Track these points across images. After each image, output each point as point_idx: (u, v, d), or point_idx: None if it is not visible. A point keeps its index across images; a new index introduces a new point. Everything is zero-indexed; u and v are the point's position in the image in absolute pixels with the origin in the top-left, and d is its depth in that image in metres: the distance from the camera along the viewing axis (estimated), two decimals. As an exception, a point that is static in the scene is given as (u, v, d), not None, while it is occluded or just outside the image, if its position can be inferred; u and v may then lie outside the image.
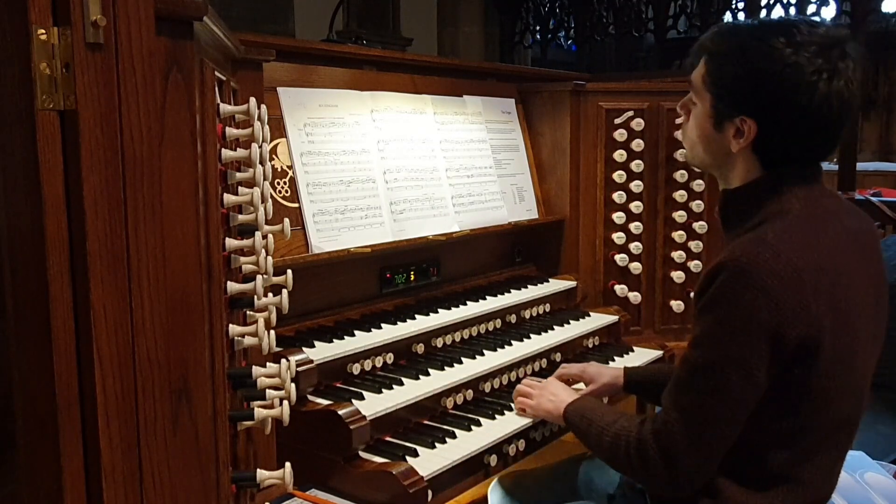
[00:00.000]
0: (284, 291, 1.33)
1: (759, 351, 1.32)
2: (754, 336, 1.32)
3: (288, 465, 1.21)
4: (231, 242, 1.20)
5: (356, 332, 2.02)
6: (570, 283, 2.70)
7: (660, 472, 1.42)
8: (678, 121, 1.62)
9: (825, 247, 1.37)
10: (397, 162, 2.27)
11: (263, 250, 1.24)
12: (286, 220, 1.36)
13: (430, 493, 1.67)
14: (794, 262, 1.32)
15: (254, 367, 1.26)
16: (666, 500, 1.54)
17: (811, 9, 6.83)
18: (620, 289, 2.79)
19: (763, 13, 6.84)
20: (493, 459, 1.93)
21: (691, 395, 1.40)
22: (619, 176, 2.77)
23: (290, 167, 2.01)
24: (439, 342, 2.20)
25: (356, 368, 1.97)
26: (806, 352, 1.33)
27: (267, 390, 1.26)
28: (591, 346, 2.58)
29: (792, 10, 6.79)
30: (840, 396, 1.40)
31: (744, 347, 1.32)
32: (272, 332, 1.31)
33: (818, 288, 1.33)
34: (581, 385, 2.01)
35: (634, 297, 2.80)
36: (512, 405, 2.04)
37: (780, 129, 1.41)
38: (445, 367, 2.06)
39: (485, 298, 2.41)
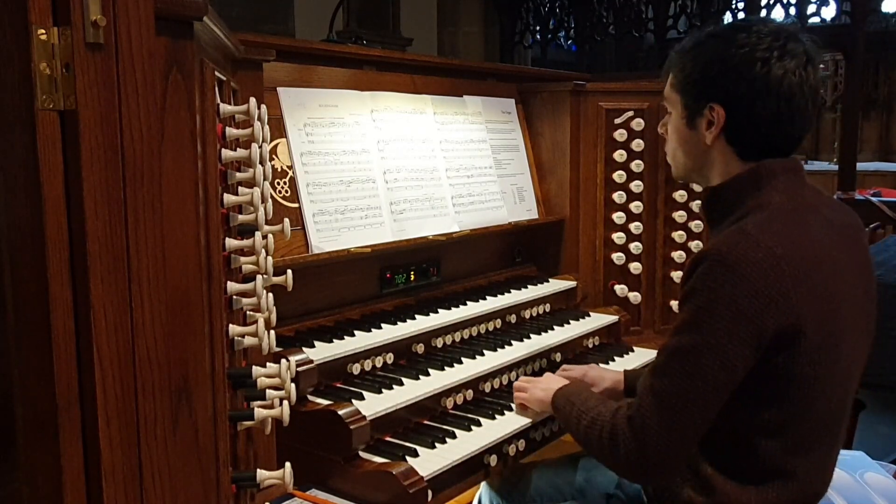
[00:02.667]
0: (270, 296, 1.32)
1: (738, 338, 1.34)
2: (734, 323, 1.34)
3: (288, 465, 1.21)
4: (231, 242, 1.20)
5: (356, 332, 2.02)
6: (570, 283, 2.70)
7: (629, 456, 1.43)
8: (660, 129, 1.70)
9: (806, 237, 1.40)
10: (397, 162, 2.27)
11: (263, 250, 1.24)
12: (286, 220, 1.36)
13: (430, 493, 1.67)
14: (774, 250, 1.35)
15: (254, 367, 1.26)
16: (662, 498, 1.54)
17: (811, 9, 6.83)
18: (620, 289, 2.79)
19: (763, 13, 6.84)
20: (493, 459, 1.92)
21: (667, 379, 1.41)
22: (619, 176, 2.77)
23: (290, 167, 2.01)
24: (439, 342, 2.20)
25: (356, 368, 1.97)
26: (788, 339, 1.35)
27: (267, 390, 1.26)
28: (591, 346, 2.58)
29: (792, 10, 6.79)
30: (826, 386, 1.42)
31: (722, 334, 1.34)
32: (272, 332, 1.31)
33: (798, 276, 1.35)
34: None
35: (634, 297, 2.80)
36: (512, 405, 2.04)
37: (745, 110, 1.47)
38: (445, 367, 2.06)
39: (485, 298, 2.41)
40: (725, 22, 1.60)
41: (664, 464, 1.43)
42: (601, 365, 2.37)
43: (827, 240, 1.43)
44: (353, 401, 1.80)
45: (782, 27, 1.48)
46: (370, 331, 2.05)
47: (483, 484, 1.98)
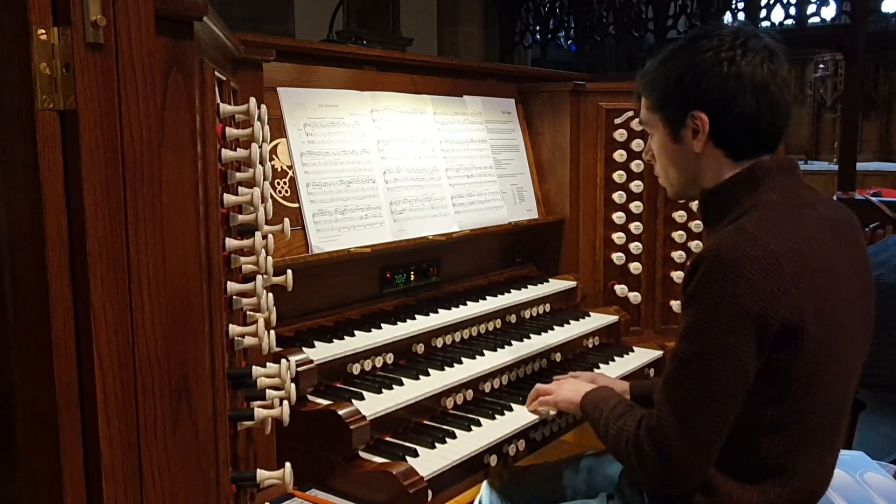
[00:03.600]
0: (270, 296, 1.32)
1: (745, 337, 1.34)
2: (738, 322, 1.34)
3: (288, 465, 1.21)
4: (231, 242, 1.20)
5: (356, 332, 2.02)
6: (570, 283, 2.70)
7: (656, 468, 1.43)
8: (645, 156, 1.73)
9: (803, 234, 1.41)
10: (397, 162, 2.27)
11: (263, 250, 1.24)
12: (286, 220, 1.36)
13: (430, 493, 1.67)
14: (773, 248, 1.35)
15: (254, 367, 1.26)
16: (663, 499, 1.54)
17: (811, 9, 6.82)
18: (620, 289, 2.79)
19: (763, 13, 6.84)
20: (493, 459, 1.93)
21: (681, 388, 1.41)
22: (619, 176, 2.77)
23: (290, 167, 2.01)
24: (439, 342, 2.20)
25: (356, 368, 1.97)
26: (789, 336, 1.36)
27: (267, 390, 1.26)
28: (591, 346, 2.58)
29: (792, 10, 6.79)
30: (826, 382, 1.42)
31: (729, 334, 1.35)
32: (272, 332, 1.31)
33: (798, 273, 1.36)
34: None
35: (634, 297, 2.80)
36: (512, 405, 2.03)
37: (726, 109, 1.49)
38: (445, 367, 2.06)
39: (485, 298, 2.41)
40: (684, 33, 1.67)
41: (691, 472, 1.42)
42: (601, 365, 2.37)
43: (824, 237, 1.44)
44: (353, 401, 1.80)
45: (740, 28, 1.53)
46: (370, 331, 2.05)
47: (484, 485, 1.98)
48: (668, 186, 1.67)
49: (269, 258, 1.28)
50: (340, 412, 1.72)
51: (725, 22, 7.38)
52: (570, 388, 1.88)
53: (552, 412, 1.96)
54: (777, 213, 1.43)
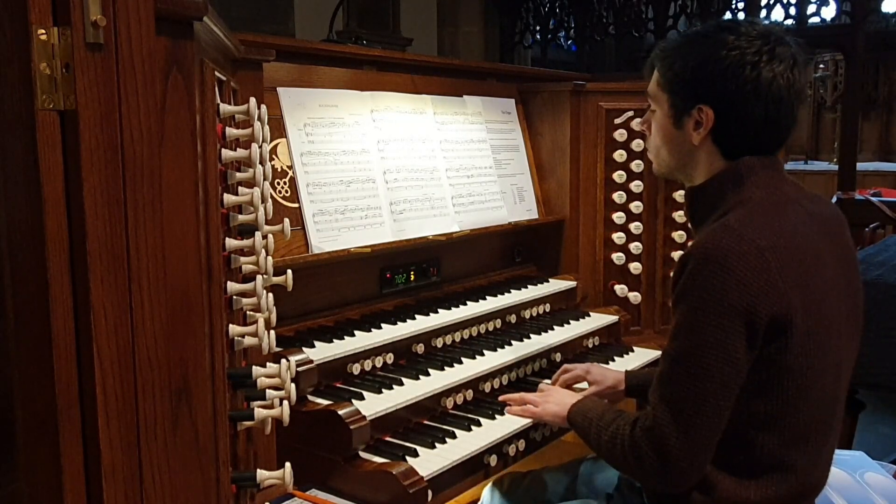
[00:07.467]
0: (270, 296, 1.31)
1: (735, 332, 1.35)
2: (728, 318, 1.35)
3: (288, 465, 1.21)
4: (231, 242, 1.20)
5: (356, 332, 2.02)
6: (570, 283, 2.70)
7: (654, 469, 1.43)
8: (641, 126, 1.71)
9: (788, 229, 1.42)
10: (397, 162, 2.27)
11: (263, 250, 1.24)
12: (286, 220, 1.36)
13: (430, 493, 1.68)
14: (758, 242, 1.36)
15: (254, 367, 1.26)
16: (662, 498, 1.54)
17: (811, 9, 6.83)
18: (620, 289, 2.79)
19: (763, 13, 6.84)
20: (493, 459, 1.93)
21: (675, 386, 1.41)
22: (619, 176, 2.77)
23: (290, 167, 2.01)
24: (439, 342, 2.20)
25: (356, 368, 1.97)
26: (778, 330, 1.37)
27: (267, 390, 1.26)
28: (591, 346, 2.58)
29: (792, 10, 6.79)
30: (817, 375, 1.43)
31: (719, 330, 1.35)
32: (272, 332, 1.31)
33: (784, 267, 1.37)
34: (584, 385, 2.00)
35: (634, 297, 2.80)
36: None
37: (735, 112, 1.48)
38: (445, 367, 2.06)
39: (485, 298, 2.41)
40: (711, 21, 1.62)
41: (689, 470, 1.42)
42: (601, 365, 2.37)
43: (809, 231, 1.44)
44: (353, 401, 1.80)
45: (770, 30, 1.49)
46: (370, 331, 2.05)
47: (487, 487, 1.98)
48: (656, 164, 1.68)
49: (269, 258, 1.28)
50: (340, 412, 1.72)
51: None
52: (555, 401, 1.84)
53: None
54: (762, 209, 1.43)
